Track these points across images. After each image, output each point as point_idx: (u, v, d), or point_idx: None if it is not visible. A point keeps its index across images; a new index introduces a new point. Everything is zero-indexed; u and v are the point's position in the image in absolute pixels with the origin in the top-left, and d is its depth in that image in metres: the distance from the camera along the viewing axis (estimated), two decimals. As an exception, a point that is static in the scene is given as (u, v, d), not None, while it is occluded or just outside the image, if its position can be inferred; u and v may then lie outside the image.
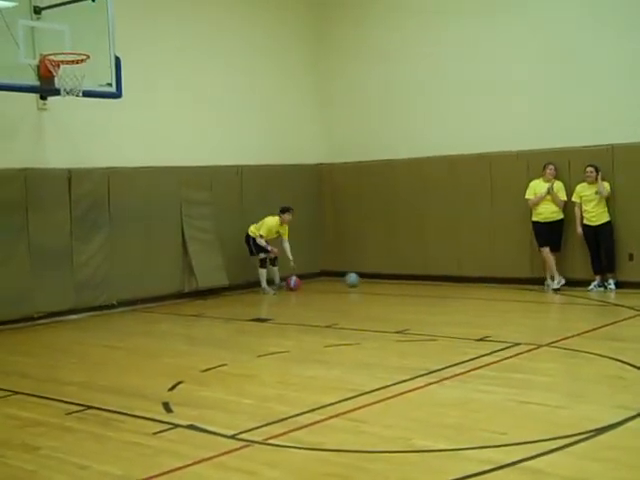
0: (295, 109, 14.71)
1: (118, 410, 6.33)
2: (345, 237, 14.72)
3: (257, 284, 13.43)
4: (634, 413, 5.67)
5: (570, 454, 4.95)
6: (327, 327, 9.82)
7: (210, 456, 5.12)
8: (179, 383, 7.12)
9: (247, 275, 13.45)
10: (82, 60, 9.79)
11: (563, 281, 11.87)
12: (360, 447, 5.20)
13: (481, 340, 8.55)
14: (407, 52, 13.88)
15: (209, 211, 13.07)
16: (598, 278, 11.74)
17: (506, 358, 7.68)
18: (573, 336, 8.55)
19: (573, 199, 11.88)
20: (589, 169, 11.66)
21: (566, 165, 12.10)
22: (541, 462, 4.81)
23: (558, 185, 12.00)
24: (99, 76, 10.31)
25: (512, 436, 5.32)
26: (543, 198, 11.94)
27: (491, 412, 6.01)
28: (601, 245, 11.69)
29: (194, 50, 13.10)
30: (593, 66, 11.98)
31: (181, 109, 12.84)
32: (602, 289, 11.66)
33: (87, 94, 10.11)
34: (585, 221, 11.74)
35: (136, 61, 11.38)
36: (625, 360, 7.27)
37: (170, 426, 5.82)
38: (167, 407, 6.34)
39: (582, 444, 5.10)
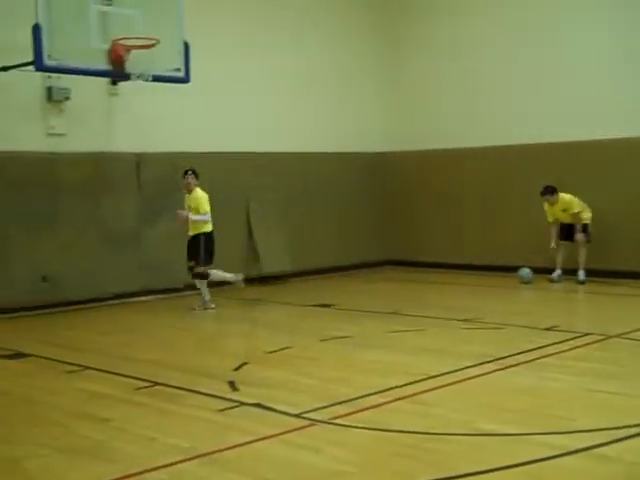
0: (360, 98, 14.64)
1: (185, 387, 6.42)
2: (411, 226, 14.64)
3: (321, 271, 13.51)
4: None
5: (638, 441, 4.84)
6: (391, 314, 9.79)
7: (276, 433, 5.16)
8: (244, 364, 7.18)
9: (310, 261, 13.50)
10: (152, 45, 9.92)
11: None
12: (426, 429, 5.17)
13: (548, 329, 8.42)
14: (473, 41, 13.73)
15: (274, 197, 13.12)
16: None
17: (574, 348, 7.55)
18: (643, 327, 8.35)
19: None
20: None
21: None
22: (609, 449, 4.72)
23: None
24: (168, 61, 10.43)
25: (580, 423, 5.23)
26: None
27: (559, 399, 5.92)
28: None
29: (262, 36, 13.14)
30: None
31: (248, 95, 12.90)
32: None
33: (156, 79, 10.25)
34: None
35: (204, 46, 11.46)
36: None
37: (236, 404, 5.88)
38: (233, 386, 6.40)
39: (653, 432, 4.99)
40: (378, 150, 14.81)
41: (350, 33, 14.53)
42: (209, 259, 10.57)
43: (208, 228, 10.54)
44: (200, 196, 10.53)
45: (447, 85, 14.10)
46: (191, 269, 10.64)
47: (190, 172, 10.60)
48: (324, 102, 14.03)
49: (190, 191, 10.57)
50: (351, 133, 14.42)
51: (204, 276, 10.63)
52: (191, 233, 10.54)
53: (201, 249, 10.49)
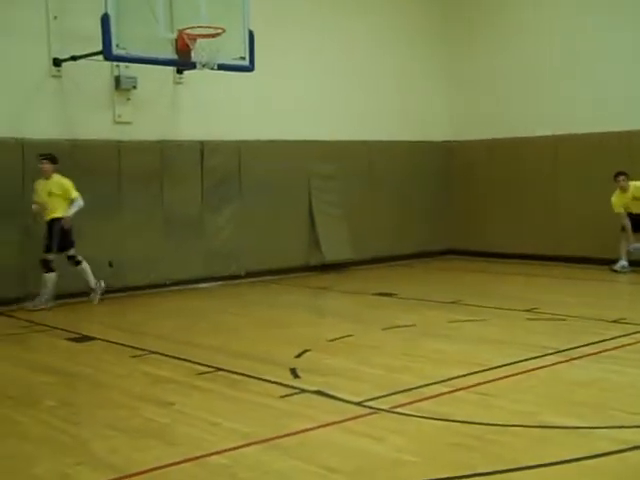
0: (424, 86, 14.57)
1: (247, 373, 6.47)
2: (474, 215, 14.51)
3: (383, 259, 13.51)
4: None
5: None
6: (452, 303, 9.73)
7: (337, 420, 5.18)
8: (306, 351, 7.23)
9: (372, 250, 13.49)
10: (217, 34, 9.99)
11: None
12: (488, 420, 5.12)
13: (614, 322, 8.26)
14: (539, 29, 13.53)
15: (336, 185, 13.14)
16: None
17: (641, 341, 7.41)
18: None
19: None
20: None
21: None
22: (679, 445, 4.62)
23: None
24: (233, 50, 10.52)
25: (647, 418, 5.14)
26: None
27: (624, 392, 5.81)
28: None
29: (326, 26, 13.14)
30: None
31: (313, 84, 12.94)
32: None
33: (221, 67, 10.34)
34: None
35: (270, 35, 11.53)
36: None
37: (297, 390, 5.92)
38: (294, 373, 6.45)
39: None
40: (442, 139, 14.70)
41: (416, 22, 14.43)
42: (65, 245, 9.97)
43: (61, 213, 9.97)
44: (65, 182, 9.99)
45: (512, 75, 13.89)
46: (46, 260, 9.94)
47: (45, 157, 9.95)
48: (387, 90, 13.97)
49: (48, 177, 9.97)
50: (415, 121, 14.34)
51: (48, 267, 9.91)
52: (47, 218, 9.95)
53: (55, 235, 9.89)
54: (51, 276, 9.95)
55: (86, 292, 10.31)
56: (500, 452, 4.59)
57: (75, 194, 10.02)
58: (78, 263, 10.13)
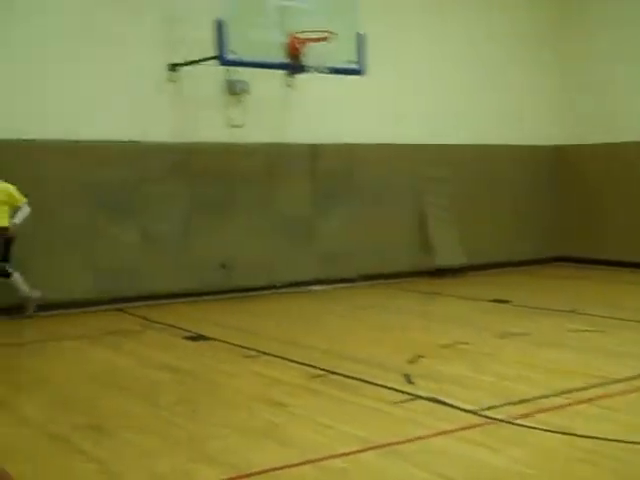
0: (535, 88, 14.16)
1: (359, 377, 6.43)
2: (586, 222, 14.04)
3: (493, 265, 13.26)
4: None
5: None
6: (569, 312, 9.42)
7: (452, 429, 5.07)
8: (419, 357, 7.13)
9: (483, 255, 13.25)
10: (327, 38, 10.04)
11: None
12: (611, 435, 4.91)
13: None
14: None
15: (448, 189, 12.96)
16: None
17: None
18: None
19: None
20: None
21: None
22: None
23: None
24: (344, 53, 10.54)
25: None
26: None
27: None
28: None
29: (436, 28, 12.99)
30: None
31: (423, 87, 12.80)
32: None
33: (332, 71, 10.37)
34: None
35: (380, 38, 11.46)
36: None
37: (411, 397, 5.84)
38: (408, 379, 6.36)
39: None
40: (554, 142, 14.31)
41: (529, 25, 14.05)
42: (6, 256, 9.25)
43: (5, 222, 9.20)
44: (8, 186, 9.11)
45: (627, 76, 13.36)
46: None
47: None
48: (501, 94, 13.69)
49: None
50: (528, 126, 14.01)
51: (6, 274, 9.25)
52: None
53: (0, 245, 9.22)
54: (16, 277, 9.28)
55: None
56: (624, 469, 4.40)
57: (23, 199, 9.19)
58: (7, 276, 9.28)
